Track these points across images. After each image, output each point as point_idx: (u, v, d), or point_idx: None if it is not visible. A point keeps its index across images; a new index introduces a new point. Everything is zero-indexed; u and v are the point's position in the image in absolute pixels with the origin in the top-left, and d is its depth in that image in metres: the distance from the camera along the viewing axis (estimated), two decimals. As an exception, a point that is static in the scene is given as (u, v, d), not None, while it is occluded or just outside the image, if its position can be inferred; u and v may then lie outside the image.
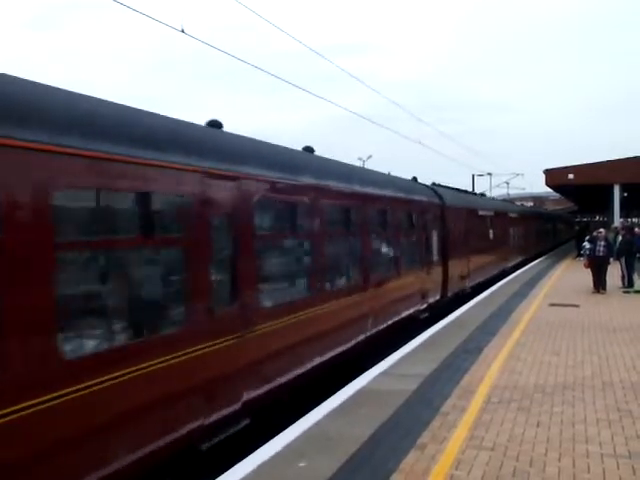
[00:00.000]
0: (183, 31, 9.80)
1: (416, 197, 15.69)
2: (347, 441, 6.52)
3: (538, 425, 7.04)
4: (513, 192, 66.88)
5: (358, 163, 32.32)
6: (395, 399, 8.05)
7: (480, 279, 23.03)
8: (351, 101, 38.47)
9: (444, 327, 13.75)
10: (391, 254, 13.47)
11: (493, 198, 44.62)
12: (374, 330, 11.71)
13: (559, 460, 6.01)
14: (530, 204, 69.64)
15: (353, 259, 11.33)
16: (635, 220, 65.08)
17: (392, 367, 9.91)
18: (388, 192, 13.29)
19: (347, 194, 10.88)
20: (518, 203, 56.09)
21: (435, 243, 16.96)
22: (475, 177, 51.88)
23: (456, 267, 19.03)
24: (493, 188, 53.17)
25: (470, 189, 43.87)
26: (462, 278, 19.96)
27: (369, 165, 39.18)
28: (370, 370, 9.70)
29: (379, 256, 12.74)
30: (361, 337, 11.07)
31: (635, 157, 32.25)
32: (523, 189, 66.44)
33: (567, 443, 6.47)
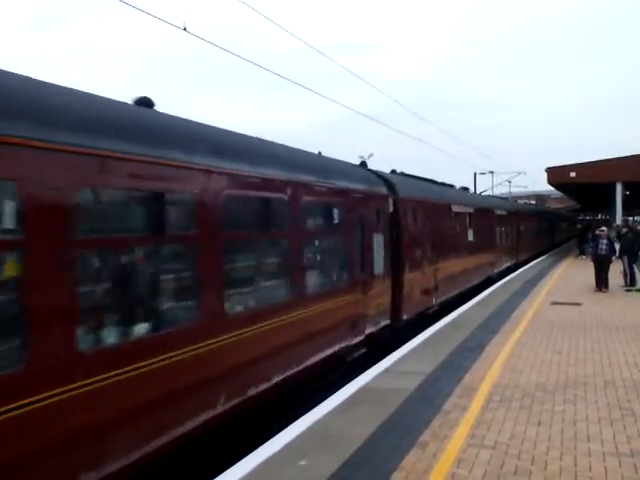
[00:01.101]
0: (185, 29, 9.79)
1: (343, 184, 10.74)
2: (348, 439, 6.50)
3: (540, 424, 7.02)
4: (515, 190, 66.79)
5: (359, 161, 32.09)
6: (396, 397, 8.03)
7: (455, 291, 18.89)
8: (353, 100, 38.51)
9: (446, 325, 13.72)
10: (283, 270, 8.85)
11: (494, 195, 43.66)
12: (235, 402, 7.18)
13: (561, 459, 5.99)
14: (532, 202, 69.45)
15: (182, 283, 6.75)
16: (638, 218, 65.00)
17: (394, 365, 9.89)
18: (279, 174, 8.51)
19: (173, 170, 6.31)
20: (522, 201, 55.85)
21: (380, 248, 12.24)
22: (477, 175, 51.91)
23: (416, 279, 14.58)
24: (495, 186, 53.11)
25: (472, 187, 43.74)
26: (426, 293, 15.61)
27: (371, 164, 38.99)
28: (372, 368, 9.69)
29: (252, 276, 8.27)
30: (201, 420, 6.54)
31: (637, 155, 32.20)
32: (525, 187, 66.36)
33: (569, 442, 6.45)
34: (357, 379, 9.02)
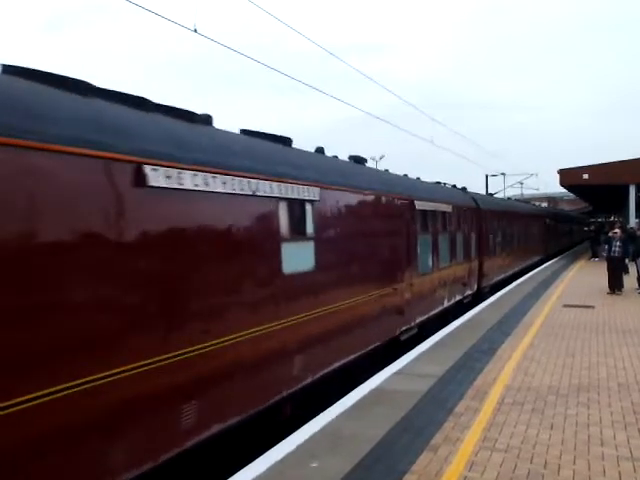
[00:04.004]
0: (196, 31, 9.82)
1: None
2: (359, 442, 6.49)
3: (552, 427, 6.98)
4: (527, 192, 66.51)
5: (370, 162, 31.90)
6: (408, 400, 8.01)
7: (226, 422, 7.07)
8: (364, 101, 38.43)
9: (458, 327, 13.67)
10: None
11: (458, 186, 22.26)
12: None
13: (574, 463, 5.95)
14: (544, 204, 69.10)
15: None
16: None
17: (405, 367, 9.86)
18: None
19: None
20: (538, 204, 55.32)
21: None
22: (489, 177, 51.67)
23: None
24: (507, 188, 52.87)
25: (484, 189, 43.32)
26: None
27: (382, 165, 38.89)
28: (383, 370, 9.67)
29: None
30: None
31: (651, 157, 31.90)
32: (537, 189, 66.07)
33: (582, 445, 6.40)
34: (369, 381, 9.00)
